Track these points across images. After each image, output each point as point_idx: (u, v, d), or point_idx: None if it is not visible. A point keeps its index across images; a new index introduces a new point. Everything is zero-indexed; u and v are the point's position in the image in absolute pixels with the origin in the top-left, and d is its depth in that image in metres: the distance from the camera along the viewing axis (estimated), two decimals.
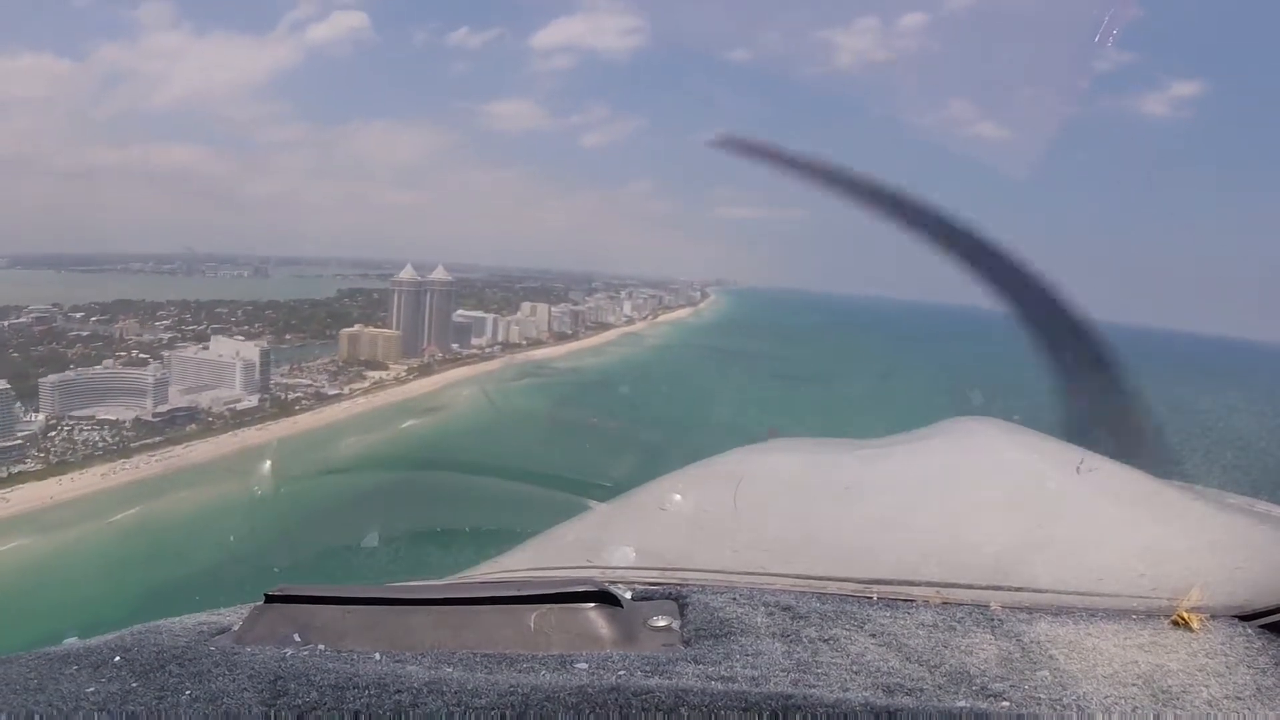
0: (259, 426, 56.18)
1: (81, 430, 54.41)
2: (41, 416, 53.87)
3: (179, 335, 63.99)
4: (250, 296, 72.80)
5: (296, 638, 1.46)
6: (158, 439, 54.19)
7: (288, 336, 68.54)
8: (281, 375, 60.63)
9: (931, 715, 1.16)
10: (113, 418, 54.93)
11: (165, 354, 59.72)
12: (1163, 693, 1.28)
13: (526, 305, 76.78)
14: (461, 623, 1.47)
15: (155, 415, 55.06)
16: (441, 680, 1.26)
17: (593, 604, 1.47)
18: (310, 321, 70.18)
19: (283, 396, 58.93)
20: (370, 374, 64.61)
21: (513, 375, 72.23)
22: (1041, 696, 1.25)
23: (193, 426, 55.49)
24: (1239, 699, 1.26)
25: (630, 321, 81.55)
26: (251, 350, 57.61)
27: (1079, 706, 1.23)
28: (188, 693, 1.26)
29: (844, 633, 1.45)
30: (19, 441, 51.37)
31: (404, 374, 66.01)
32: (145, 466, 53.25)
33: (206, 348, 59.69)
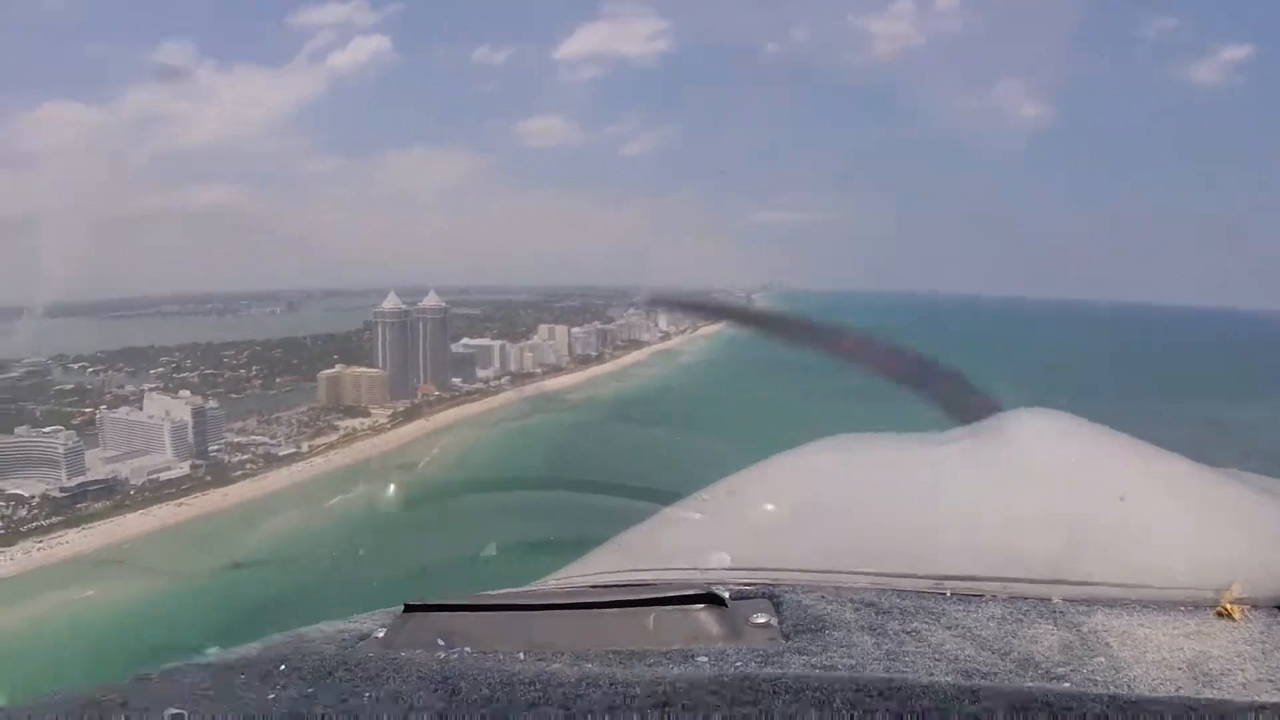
0: (179, 502, 49.96)
1: None
2: None
3: (164, 385, 59.37)
4: (271, 334, 68.34)
5: (440, 642, 1.53)
6: (56, 520, 48.48)
7: (278, 380, 63.15)
8: (238, 432, 54.30)
9: (1005, 693, 1.27)
10: (23, 492, 50.16)
11: (98, 415, 53.96)
12: (1204, 675, 1.43)
13: (544, 328, 70.53)
14: (587, 625, 1.58)
15: (63, 490, 49.62)
16: (589, 676, 1.35)
17: (701, 605, 1.60)
18: (318, 360, 64.38)
19: (225, 460, 52.69)
20: (343, 423, 57.70)
21: (516, 413, 65.11)
22: (1098, 679, 1.41)
23: (105, 502, 49.73)
24: (1271, 680, 1.41)
25: (665, 337, 76.97)
26: (183, 409, 51.43)
27: (1129, 686, 1.40)
28: (367, 695, 1.33)
29: (924, 626, 1.59)
30: None
31: (385, 421, 58.73)
32: (22, 559, 47.94)
33: (140, 407, 53.40)
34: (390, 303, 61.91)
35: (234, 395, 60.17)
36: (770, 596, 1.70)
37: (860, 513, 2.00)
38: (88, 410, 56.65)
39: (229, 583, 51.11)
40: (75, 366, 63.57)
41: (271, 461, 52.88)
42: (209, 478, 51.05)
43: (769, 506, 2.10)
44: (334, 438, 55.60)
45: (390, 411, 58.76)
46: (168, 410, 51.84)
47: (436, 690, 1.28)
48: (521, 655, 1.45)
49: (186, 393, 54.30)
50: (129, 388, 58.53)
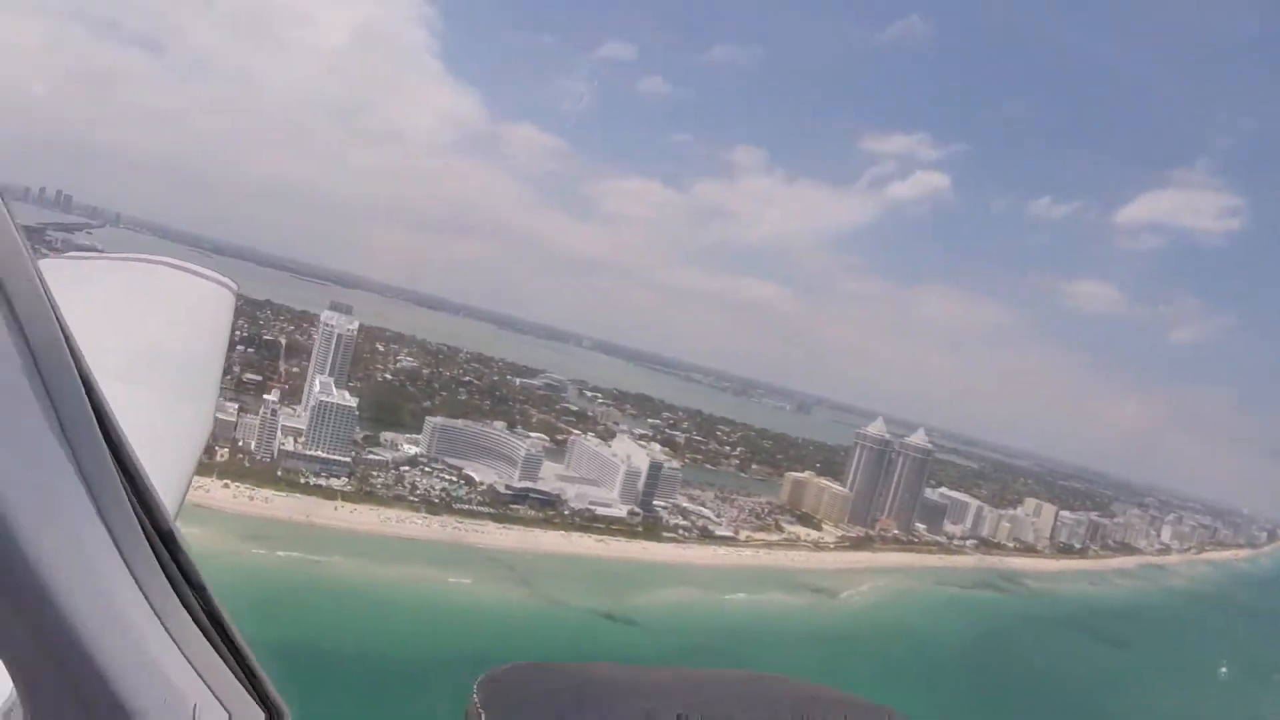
0: (600, 538, 49.57)
1: (430, 475, 53.10)
2: (414, 450, 53.59)
3: (653, 434, 61.59)
4: (769, 425, 68.90)
5: None
6: (486, 509, 50.40)
7: (754, 467, 63.34)
8: (691, 499, 53.78)
9: None
10: (475, 476, 53.20)
11: (572, 437, 56.77)
12: None
13: (1031, 502, 63.28)
14: None
15: (509, 488, 51.62)
16: None
17: None
18: (799, 461, 63.70)
19: (663, 518, 51.56)
20: (791, 527, 54.94)
21: (966, 580, 57.31)
22: None
23: (538, 513, 50.61)
24: None
25: (1164, 551, 66.57)
26: (642, 457, 51.86)
27: None
28: None
29: None
30: (344, 459, 51.02)
31: (831, 540, 54.50)
32: (430, 531, 50.02)
33: (609, 444, 55.32)
34: (875, 428, 58.73)
35: (710, 466, 60.84)
36: None
37: None
38: (574, 432, 59.94)
39: (589, 626, 49.75)
40: (589, 394, 70.02)
41: (705, 536, 51.36)
42: (640, 528, 50.67)
43: None
44: (774, 537, 53.11)
45: (841, 533, 54.81)
46: (629, 455, 52.69)
47: None
48: None
49: (657, 447, 55.02)
50: (622, 426, 61.20)
